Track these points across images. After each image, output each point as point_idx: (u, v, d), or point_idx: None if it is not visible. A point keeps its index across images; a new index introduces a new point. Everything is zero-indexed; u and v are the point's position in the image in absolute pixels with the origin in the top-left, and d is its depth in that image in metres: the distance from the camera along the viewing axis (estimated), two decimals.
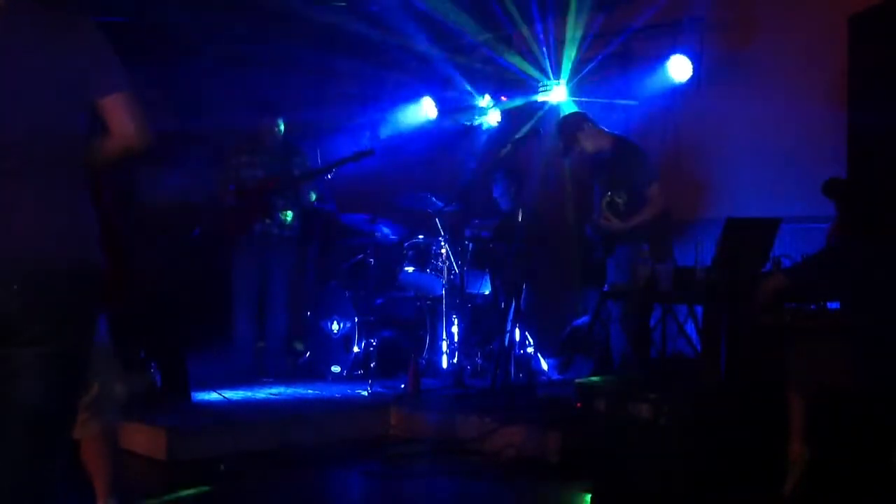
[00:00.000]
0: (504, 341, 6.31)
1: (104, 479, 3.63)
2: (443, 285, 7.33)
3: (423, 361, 7.26)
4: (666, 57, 7.17)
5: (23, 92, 2.46)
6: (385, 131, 8.88)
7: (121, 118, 2.62)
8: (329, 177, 7.18)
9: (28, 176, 2.44)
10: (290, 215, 7.17)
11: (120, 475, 3.71)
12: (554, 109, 7.94)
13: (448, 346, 7.32)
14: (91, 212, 2.60)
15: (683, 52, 7.10)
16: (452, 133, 8.76)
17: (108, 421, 3.62)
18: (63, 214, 2.50)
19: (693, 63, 7.07)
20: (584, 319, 7.27)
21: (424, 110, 8.65)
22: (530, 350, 7.02)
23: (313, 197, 7.20)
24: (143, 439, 5.22)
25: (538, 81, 8.07)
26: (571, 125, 6.30)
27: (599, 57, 7.66)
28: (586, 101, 7.68)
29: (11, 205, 2.42)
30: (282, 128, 7.24)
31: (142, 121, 2.65)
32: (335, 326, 7.32)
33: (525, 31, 8.02)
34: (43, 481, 2.51)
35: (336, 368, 7.23)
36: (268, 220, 7.07)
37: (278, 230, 7.13)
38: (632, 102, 7.54)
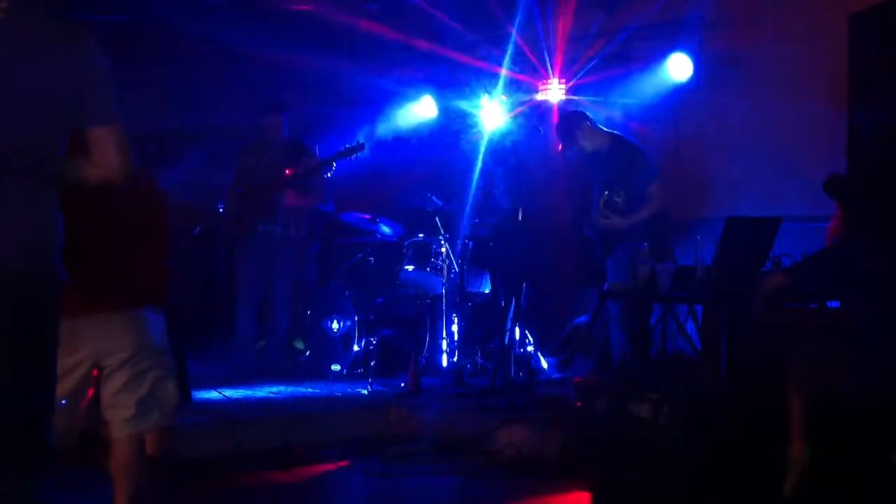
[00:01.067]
0: (504, 340, 6.32)
1: (126, 490, 3.48)
2: (443, 284, 7.33)
3: (423, 360, 7.26)
4: (666, 56, 7.17)
5: (8, 103, 2.45)
6: (384, 130, 8.87)
7: (105, 152, 2.64)
8: (329, 175, 7.18)
9: (2, 185, 2.44)
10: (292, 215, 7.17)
11: (142, 492, 3.55)
12: (553, 108, 7.95)
13: (448, 345, 7.31)
14: (56, 223, 2.59)
15: (683, 50, 7.10)
16: (452, 132, 8.75)
17: (150, 424, 3.53)
18: (26, 225, 2.49)
19: (693, 62, 7.07)
20: (583, 318, 7.28)
21: (424, 109, 8.65)
22: (530, 349, 7.02)
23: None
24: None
25: (538, 80, 8.07)
26: (570, 124, 6.31)
27: (599, 56, 7.66)
28: (586, 101, 7.68)
29: None
30: (286, 126, 7.25)
31: (126, 156, 2.67)
32: (335, 325, 7.33)
33: (525, 29, 8.02)
34: (23, 491, 2.50)
35: (336, 367, 7.23)
36: (271, 220, 7.07)
37: (282, 230, 7.13)
38: (631, 102, 7.54)
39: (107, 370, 3.41)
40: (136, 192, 3.40)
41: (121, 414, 3.44)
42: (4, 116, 2.45)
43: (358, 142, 7.13)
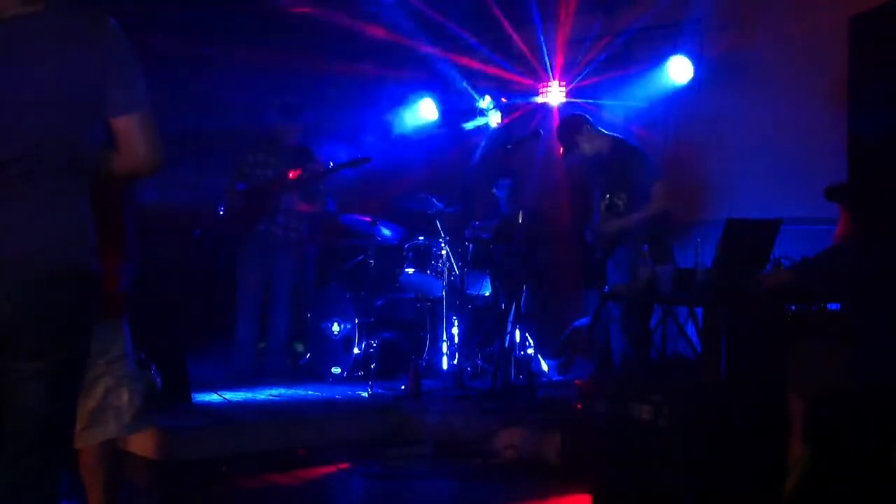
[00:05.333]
0: (504, 342, 6.31)
1: (97, 496, 3.43)
2: (443, 287, 7.33)
3: (424, 363, 7.25)
4: (666, 58, 7.17)
5: (38, 100, 2.41)
6: (385, 132, 8.88)
7: (130, 140, 2.54)
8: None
9: (30, 182, 2.40)
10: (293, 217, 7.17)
11: (116, 496, 3.49)
12: (554, 111, 7.95)
13: (448, 348, 7.31)
14: (89, 219, 2.54)
15: (683, 53, 7.10)
16: (453, 134, 8.76)
17: (106, 434, 3.42)
18: (60, 221, 2.46)
19: (693, 64, 7.07)
20: (584, 320, 7.27)
21: (425, 112, 8.65)
22: (530, 351, 7.01)
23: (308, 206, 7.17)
24: (143, 440, 5.21)
25: (538, 82, 8.08)
26: (570, 128, 6.29)
27: (600, 58, 7.67)
28: (586, 103, 7.69)
29: (12, 210, 2.38)
30: (302, 129, 7.24)
31: (153, 145, 2.57)
32: (336, 328, 7.32)
33: (525, 32, 8.03)
34: (46, 490, 2.50)
35: (336, 370, 7.22)
36: (272, 221, 7.07)
37: (282, 231, 7.13)
38: (632, 103, 7.54)
39: None
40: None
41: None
42: (30, 115, 2.40)
43: (365, 154, 7.12)
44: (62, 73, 2.44)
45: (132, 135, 2.54)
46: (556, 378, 7.08)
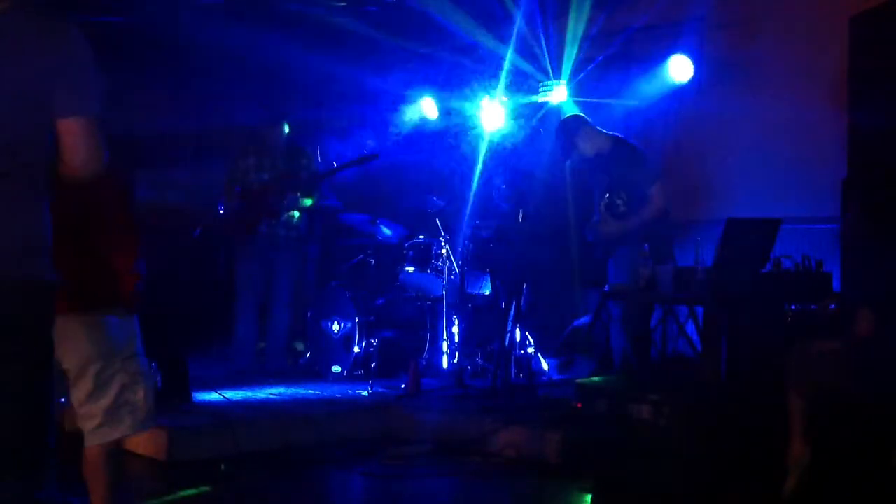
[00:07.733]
0: (504, 341, 6.31)
1: (100, 494, 3.44)
2: (443, 285, 7.33)
3: (424, 362, 7.26)
4: (666, 57, 7.16)
5: None
6: (386, 131, 8.88)
7: (70, 144, 2.53)
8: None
9: None
10: (296, 215, 7.18)
11: (116, 496, 3.51)
12: (554, 110, 7.94)
13: (448, 347, 7.32)
14: (45, 225, 2.52)
15: (684, 52, 7.10)
16: (453, 133, 8.75)
17: (121, 431, 3.44)
18: (13, 229, 2.44)
19: (693, 63, 7.06)
20: (584, 320, 7.27)
21: (425, 110, 8.65)
22: (531, 350, 7.02)
23: (308, 202, 7.19)
24: (143, 439, 5.21)
25: (539, 81, 8.07)
26: (570, 129, 6.29)
27: (600, 57, 7.65)
28: (587, 102, 7.68)
29: None
30: (286, 129, 7.25)
31: (94, 150, 2.55)
32: (336, 327, 7.32)
33: (526, 31, 8.02)
34: (22, 490, 2.48)
35: (336, 369, 7.23)
36: (274, 221, 7.08)
37: (285, 231, 7.14)
38: (632, 103, 7.54)
39: (70, 375, 3.36)
40: (100, 190, 3.29)
41: (89, 423, 3.39)
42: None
43: (373, 150, 7.13)
44: (16, 77, 2.42)
45: (73, 138, 2.52)
46: (556, 377, 7.08)
